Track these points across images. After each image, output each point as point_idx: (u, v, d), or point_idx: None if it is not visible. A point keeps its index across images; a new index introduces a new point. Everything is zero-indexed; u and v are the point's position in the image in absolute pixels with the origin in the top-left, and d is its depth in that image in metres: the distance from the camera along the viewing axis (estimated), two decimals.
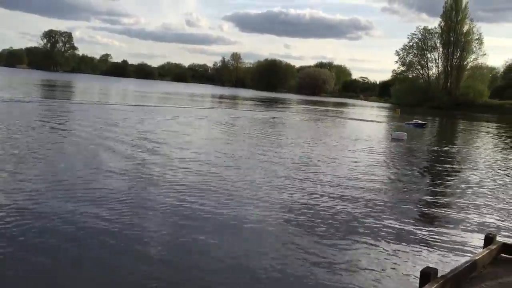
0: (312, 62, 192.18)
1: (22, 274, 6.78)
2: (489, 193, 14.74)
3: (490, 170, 19.74)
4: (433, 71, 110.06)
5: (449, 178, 17.64)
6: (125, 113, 33.32)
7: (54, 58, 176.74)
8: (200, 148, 19.89)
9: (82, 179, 12.44)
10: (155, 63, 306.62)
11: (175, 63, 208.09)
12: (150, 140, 20.54)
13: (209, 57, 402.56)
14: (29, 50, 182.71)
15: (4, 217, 8.85)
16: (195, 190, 12.14)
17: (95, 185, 11.88)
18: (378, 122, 49.09)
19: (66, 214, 9.37)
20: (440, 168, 19.73)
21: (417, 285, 5.52)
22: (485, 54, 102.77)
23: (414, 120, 44.92)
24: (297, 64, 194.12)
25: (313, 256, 8.19)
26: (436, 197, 13.80)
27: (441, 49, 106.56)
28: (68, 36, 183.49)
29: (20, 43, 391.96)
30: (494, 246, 6.75)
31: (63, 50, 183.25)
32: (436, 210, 12.20)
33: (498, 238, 7.27)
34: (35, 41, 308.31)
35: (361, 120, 49.32)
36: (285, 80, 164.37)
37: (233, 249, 8.32)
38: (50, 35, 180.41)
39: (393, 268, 7.95)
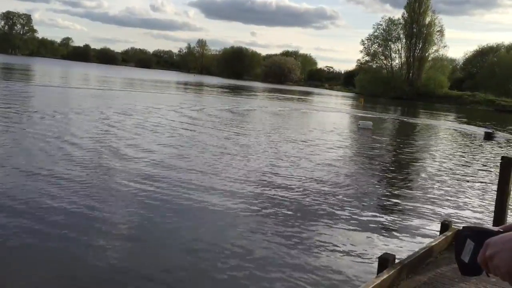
0: (278, 51, 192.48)
1: None
2: (447, 183, 15.19)
3: (448, 160, 20.34)
4: (396, 61, 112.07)
5: (410, 168, 18.08)
6: (84, 97, 32.47)
7: (12, 41, 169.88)
8: (159, 137, 19.62)
9: (39, 164, 12.05)
10: (118, 48, 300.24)
11: (139, 48, 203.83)
12: (109, 126, 20.10)
13: (174, 43, 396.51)
14: None
15: None
16: (158, 179, 11.97)
17: (53, 172, 11.54)
18: (344, 112, 49.71)
19: (24, 199, 9.05)
20: (404, 157, 20.20)
21: (376, 270, 5.61)
22: (446, 46, 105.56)
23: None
24: (263, 52, 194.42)
25: (275, 240, 8.23)
26: (397, 187, 14.12)
27: (404, 40, 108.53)
28: (27, 18, 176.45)
29: None
30: (450, 233, 6.96)
31: (21, 32, 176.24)
32: (396, 200, 12.49)
33: (454, 226, 7.50)
34: None
35: (327, 109, 49.88)
36: (251, 68, 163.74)
37: (197, 233, 8.25)
38: (8, 16, 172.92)
39: (352, 255, 8.08)
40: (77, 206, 9.20)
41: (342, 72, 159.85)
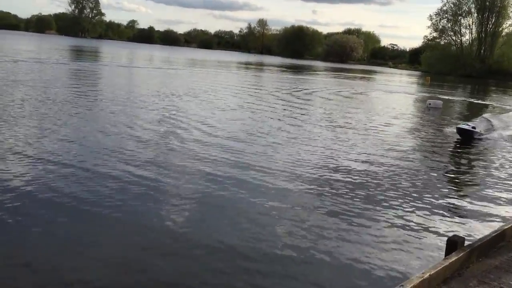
0: (340, 29, 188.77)
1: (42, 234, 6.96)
2: None
3: None
4: (466, 37, 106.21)
5: (485, 151, 17.11)
6: (149, 76, 33.49)
7: (82, 24, 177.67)
8: (223, 115, 19.88)
9: (108, 139, 12.62)
10: (181, 29, 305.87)
11: (201, 29, 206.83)
12: (171, 105, 20.64)
13: (235, 23, 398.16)
14: (57, 16, 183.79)
15: (36, 170, 9.09)
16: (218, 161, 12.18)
17: (120, 147, 12.04)
18: (409, 92, 47.97)
19: (94, 170, 9.54)
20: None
21: (443, 254, 5.41)
22: None
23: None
24: (324, 30, 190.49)
25: (338, 220, 8.15)
26: (471, 170, 13.52)
27: (475, 15, 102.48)
28: (96, 2, 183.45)
29: (49, 9, 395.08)
30: None
31: (90, 16, 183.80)
32: (467, 182, 11.95)
33: None
34: (63, 7, 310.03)
35: (391, 88, 48.35)
36: (312, 47, 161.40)
37: (254, 209, 8.33)
38: (77, 1, 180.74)
39: (419, 237, 7.84)
40: (145, 179, 9.57)
41: (407, 49, 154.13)
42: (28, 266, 5.98)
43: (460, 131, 17.79)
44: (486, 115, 25.69)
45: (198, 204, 8.68)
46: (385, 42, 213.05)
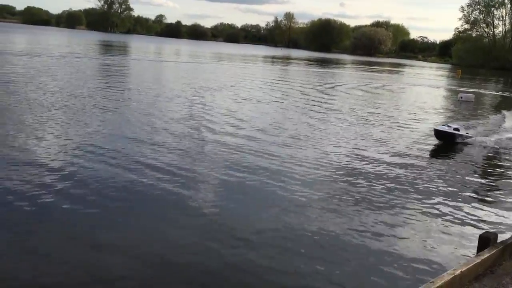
0: (368, 21, 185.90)
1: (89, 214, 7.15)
2: None
3: None
4: (499, 29, 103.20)
5: None
6: (178, 70, 33.79)
7: (111, 19, 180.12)
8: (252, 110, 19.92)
9: (141, 129, 12.84)
10: (208, 23, 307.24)
11: (227, 23, 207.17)
12: (200, 98, 20.80)
13: (261, 17, 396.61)
14: (87, 12, 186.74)
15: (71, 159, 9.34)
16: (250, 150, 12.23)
17: (152, 136, 12.25)
18: (439, 85, 47.00)
19: (128, 156, 9.74)
20: None
21: (475, 250, 5.31)
22: None
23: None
24: (352, 23, 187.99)
25: (368, 213, 8.09)
26: (506, 164, 13.22)
27: (509, 5, 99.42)
28: None
29: (79, 4, 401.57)
30: None
31: (119, 11, 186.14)
32: (499, 177, 11.68)
33: None
34: (93, 3, 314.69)
35: (421, 81, 47.48)
36: (339, 40, 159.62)
37: (284, 201, 8.35)
38: None
39: (451, 233, 7.71)
40: (174, 169, 9.70)
41: (437, 42, 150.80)
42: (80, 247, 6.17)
43: (438, 134, 15.11)
44: (507, 111, 24.16)
45: (229, 192, 8.84)
46: (414, 34, 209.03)
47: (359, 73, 54.18)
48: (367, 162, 11.84)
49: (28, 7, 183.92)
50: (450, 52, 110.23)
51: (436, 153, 13.98)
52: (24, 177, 8.71)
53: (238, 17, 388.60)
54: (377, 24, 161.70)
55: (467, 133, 15.78)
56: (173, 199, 8.35)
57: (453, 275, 4.39)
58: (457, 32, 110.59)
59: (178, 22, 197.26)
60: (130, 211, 7.77)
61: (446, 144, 14.80)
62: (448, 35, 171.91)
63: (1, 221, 7.04)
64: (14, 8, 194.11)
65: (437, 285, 4.15)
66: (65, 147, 11.01)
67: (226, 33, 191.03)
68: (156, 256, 6.25)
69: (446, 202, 9.23)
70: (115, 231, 6.99)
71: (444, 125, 15.98)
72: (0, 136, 11.53)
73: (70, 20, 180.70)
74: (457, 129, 15.40)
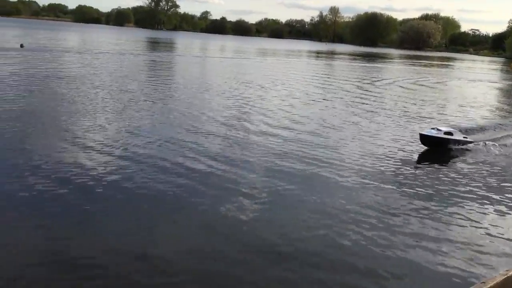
0: (416, 14, 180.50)
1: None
2: None
3: None
4: None
5: None
6: (223, 65, 34.14)
7: (158, 16, 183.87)
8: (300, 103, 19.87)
9: (183, 128, 13.11)
10: (252, 19, 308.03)
11: (272, 19, 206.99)
12: (244, 94, 20.93)
13: (306, 11, 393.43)
14: (135, 9, 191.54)
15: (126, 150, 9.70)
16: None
17: (193, 136, 12.47)
18: (493, 81, 45.15)
19: (168, 158, 9.99)
20: None
21: None
22: None
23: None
24: (399, 17, 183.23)
25: (413, 213, 7.94)
26: None
27: None
28: None
29: (128, 2, 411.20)
30: None
31: (166, 8, 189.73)
32: None
33: None
34: (141, 0, 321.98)
35: (473, 77, 45.80)
36: (386, 34, 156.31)
37: (325, 200, 8.31)
38: None
39: (498, 236, 7.46)
40: (218, 169, 9.87)
41: (490, 35, 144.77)
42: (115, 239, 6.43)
43: (423, 138, 12.99)
44: None
45: (268, 196, 8.76)
46: (465, 27, 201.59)
47: (407, 68, 52.86)
48: (418, 166, 11.58)
49: (79, 6, 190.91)
50: (504, 45, 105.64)
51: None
52: (80, 162, 9.16)
53: (283, 13, 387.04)
54: (426, 17, 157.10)
55: (464, 137, 13.63)
56: (207, 204, 8.44)
57: (506, 276, 4.24)
58: (511, 24, 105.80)
59: (223, 18, 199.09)
60: (179, 202, 7.95)
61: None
62: (501, 28, 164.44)
63: (66, 199, 7.43)
64: (66, 7, 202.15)
65: (489, 285, 4.02)
66: (113, 141, 11.42)
67: (270, 29, 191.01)
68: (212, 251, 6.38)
69: (494, 206, 8.91)
70: (169, 220, 7.19)
71: (433, 129, 13.57)
72: (56, 127, 12.14)
73: (119, 18, 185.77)
74: (450, 133, 13.22)
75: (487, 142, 13.75)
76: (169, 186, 8.65)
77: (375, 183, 9.56)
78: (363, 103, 21.31)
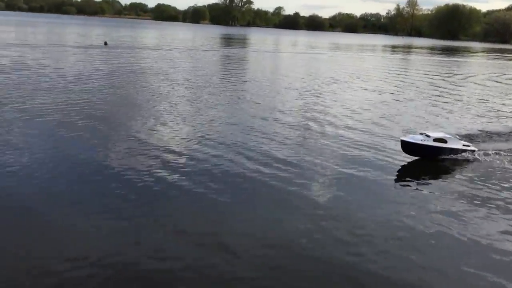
0: (502, 5, 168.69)
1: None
2: None
3: None
4: None
5: None
6: (295, 60, 34.13)
7: (232, 13, 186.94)
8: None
9: (256, 121, 13.39)
10: (326, 14, 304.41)
11: (346, 13, 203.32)
12: (317, 91, 20.80)
13: (383, 4, 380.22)
14: (210, 7, 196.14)
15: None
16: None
17: (267, 128, 12.70)
18: None
19: (241, 149, 10.26)
20: None
21: None
22: None
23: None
24: (483, 8, 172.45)
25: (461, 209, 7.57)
26: None
27: None
28: None
29: (204, 0, 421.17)
30: None
31: (240, 5, 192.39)
32: None
33: None
34: None
35: None
36: (469, 26, 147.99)
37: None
38: None
39: None
40: (288, 160, 9.96)
41: None
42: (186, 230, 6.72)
43: (405, 145, 10.66)
44: None
45: (342, 188, 8.79)
46: None
47: (492, 62, 49.87)
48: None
49: (158, 4, 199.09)
50: None
51: None
52: (151, 158, 9.74)
53: (357, 6, 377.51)
54: None
55: (464, 145, 11.25)
56: (287, 190, 8.55)
57: None
58: None
59: (296, 14, 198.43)
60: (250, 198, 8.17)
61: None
62: None
63: (134, 192, 7.93)
64: (146, 5, 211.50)
65: None
66: (189, 134, 11.94)
67: (344, 23, 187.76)
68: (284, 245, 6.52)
69: None
70: (238, 216, 7.41)
71: (421, 134, 11.08)
72: (133, 121, 12.87)
73: (195, 15, 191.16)
74: (442, 140, 10.84)
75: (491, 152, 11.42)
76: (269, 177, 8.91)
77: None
78: (439, 101, 20.38)
